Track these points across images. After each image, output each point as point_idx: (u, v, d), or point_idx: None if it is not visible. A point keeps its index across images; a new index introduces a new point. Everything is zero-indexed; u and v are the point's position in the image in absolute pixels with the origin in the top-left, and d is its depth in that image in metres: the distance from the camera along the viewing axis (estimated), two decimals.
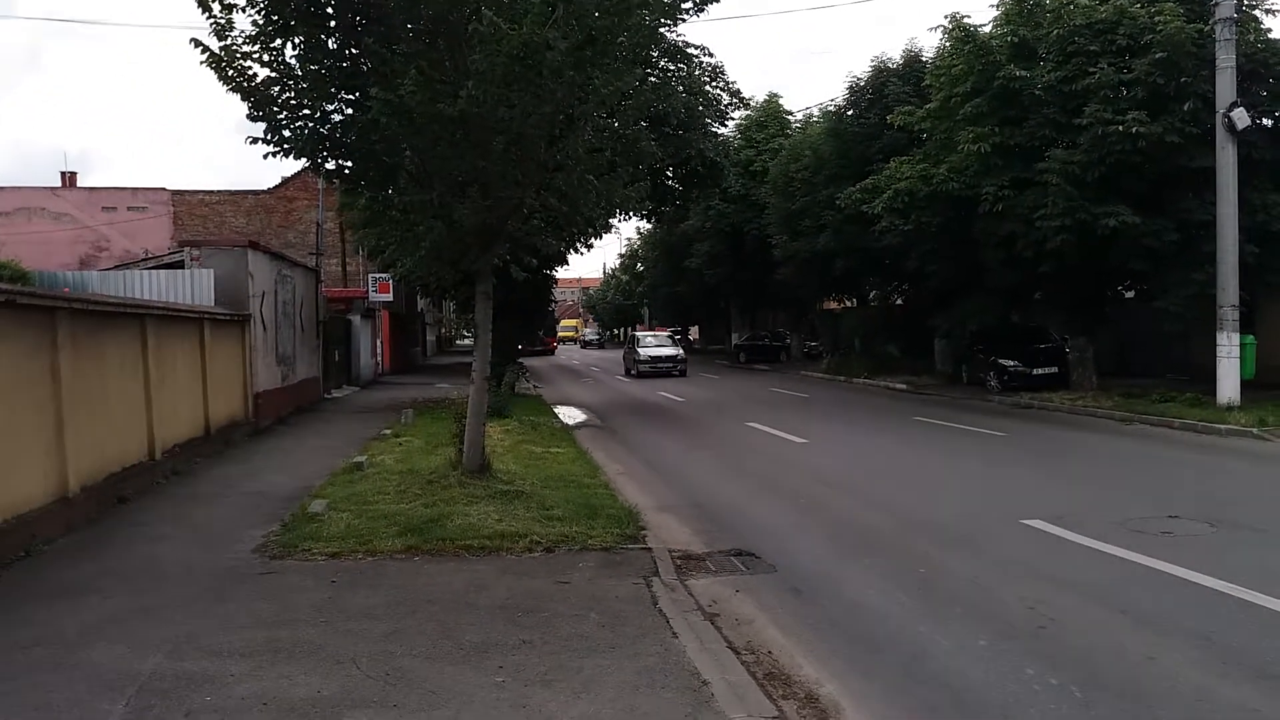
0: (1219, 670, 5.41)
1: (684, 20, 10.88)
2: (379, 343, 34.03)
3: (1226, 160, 16.78)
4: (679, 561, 7.94)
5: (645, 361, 35.46)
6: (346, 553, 7.89)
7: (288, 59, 9.50)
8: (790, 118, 40.68)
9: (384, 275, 28.07)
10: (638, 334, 41.39)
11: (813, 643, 6.14)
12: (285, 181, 39.59)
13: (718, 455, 14.91)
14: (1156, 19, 17.71)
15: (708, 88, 22.58)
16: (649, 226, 53.90)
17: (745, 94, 24.28)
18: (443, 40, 9.38)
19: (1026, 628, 6.23)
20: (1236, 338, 16.88)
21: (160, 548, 8.34)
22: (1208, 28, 17.18)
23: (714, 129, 23.34)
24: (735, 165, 30.53)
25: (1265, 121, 18.25)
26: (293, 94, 9.58)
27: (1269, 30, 18.42)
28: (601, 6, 8.89)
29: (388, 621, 6.19)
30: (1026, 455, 13.96)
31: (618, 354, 61.24)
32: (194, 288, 15.55)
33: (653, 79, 18.84)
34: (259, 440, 15.68)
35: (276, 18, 9.21)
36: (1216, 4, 16.78)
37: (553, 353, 67.26)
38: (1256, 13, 18.59)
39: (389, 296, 30.09)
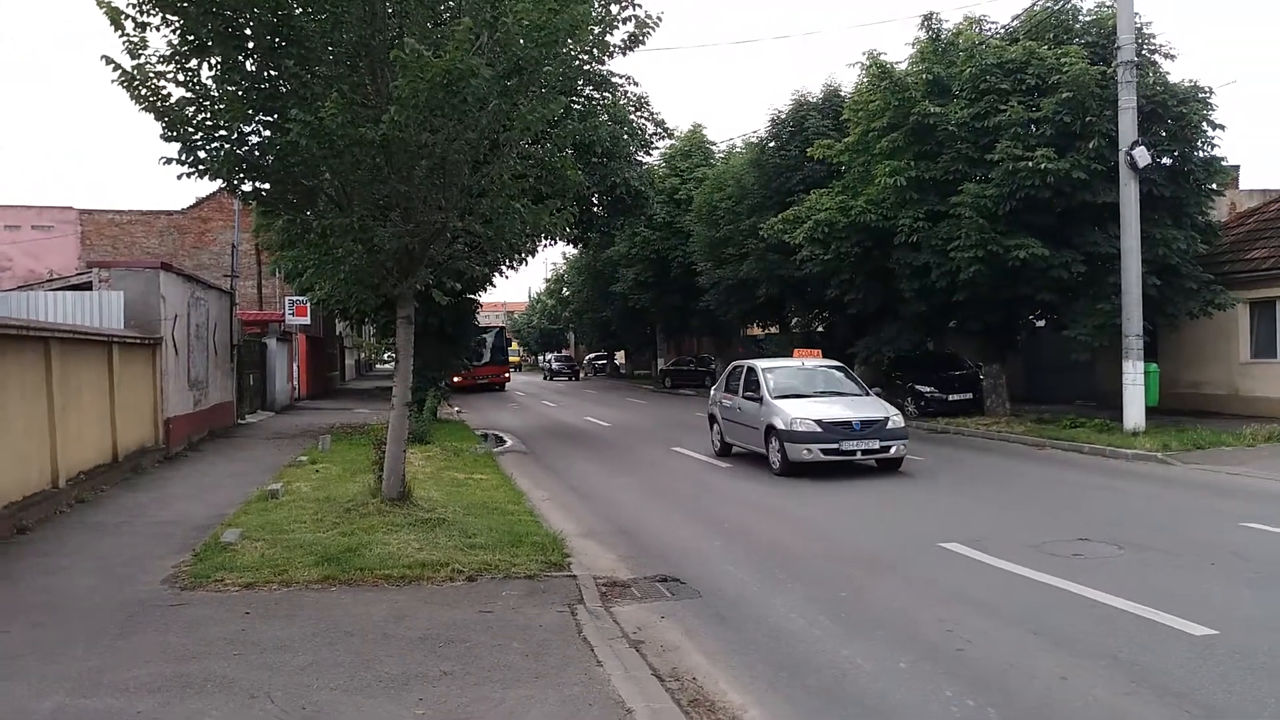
0: (1127, 689, 5.57)
1: (611, 57, 10.98)
2: (295, 366, 33.28)
3: (1130, 196, 17.48)
4: (604, 588, 7.91)
5: (807, 437, 14.28)
6: (261, 583, 7.67)
7: (203, 79, 9.31)
8: (714, 148, 41.24)
9: (301, 298, 27.47)
10: (758, 365, 16.75)
11: (737, 668, 6.16)
12: (200, 202, 38.65)
13: (643, 480, 14.91)
14: (1063, 60, 18.44)
15: (632, 117, 22.77)
16: (575, 251, 53.95)
17: (669, 124, 24.59)
18: (364, 64, 9.30)
19: (946, 649, 6.34)
20: (1141, 366, 17.53)
21: (63, 580, 7.99)
22: (1111, 70, 17.94)
23: (639, 157, 23.53)
24: (660, 194, 30.78)
25: (1165, 160, 19.04)
26: (208, 115, 9.37)
27: (1167, 73, 19.30)
28: (528, 36, 8.91)
29: (304, 654, 6.02)
30: (944, 479, 14.25)
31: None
32: (102, 310, 15.04)
33: (577, 107, 18.94)
34: (170, 467, 15.18)
35: (192, 38, 9.01)
36: (1118, 48, 17.53)
37: (503, 387, 47.59)
38: (1155, 57, 19.48)
39: (306, 320, 29.46)
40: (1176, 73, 20.57)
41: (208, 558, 8.41)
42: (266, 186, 10.28)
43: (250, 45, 9.26)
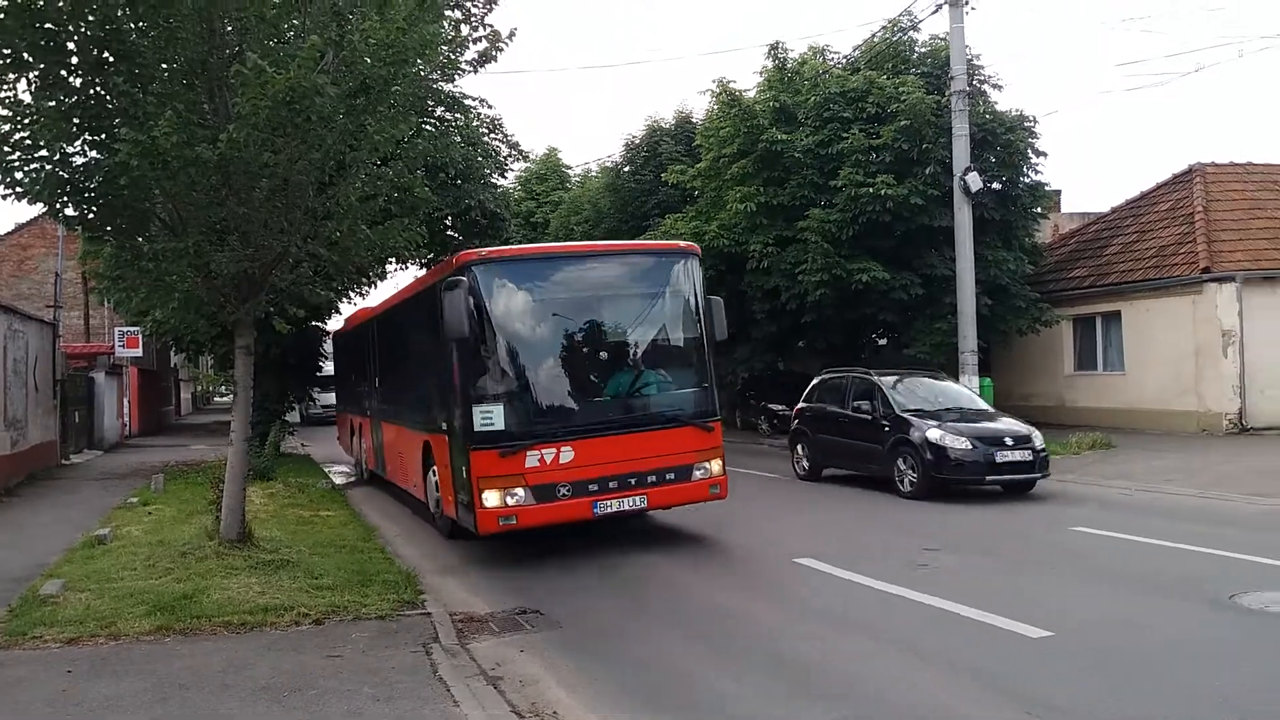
0: (974, 693, 5.76)
1: (462, 75, 10.84)
2: (126, 402, 31.35)
3: (963, 220, 18.39)
4: (460, 625, 7.68)
5: None
6: (86, 637, 7.10)
7: (19, 95, 8.64)
8: (569, 171, 41.29)
9: (132, 329, 25.91)
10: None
11: (598, 700, 6.05)
12: (19, 228, 35.91)
13: None
14: (901, 90, 19.34)
15: (486, 139, 22.55)
16: None
17: (525, 146, 24.48)
18: (201, 83, 8.84)
19: (804, 666, 6.41)
20: (976, 381, 18.39)
21: None
22: (945, 99, 18.91)
23: (494, 180, 23.30)
24: (516, 216, 30.52)
25: (995, 185, 20.22)
26: (27, 133, 8.70)
27: (996, 103, 20.55)
28: (375, 55, 8.67)
29: (134, 713, 5.59)
30: (796, 496, 14.57)
31: None
32: None
33: (429, 127, 18.59)
34: None
35: (8, 51, 8.36)
36: (952, 78, 18.48)
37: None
38: (985, 87, 20.71)
39: (138, 351, 27.78)
40: (1004, 102, 21.84)
41: (24, 613, 7.73)
42: (94, 210, 9.61)
43: (74, 60, 8.65)
